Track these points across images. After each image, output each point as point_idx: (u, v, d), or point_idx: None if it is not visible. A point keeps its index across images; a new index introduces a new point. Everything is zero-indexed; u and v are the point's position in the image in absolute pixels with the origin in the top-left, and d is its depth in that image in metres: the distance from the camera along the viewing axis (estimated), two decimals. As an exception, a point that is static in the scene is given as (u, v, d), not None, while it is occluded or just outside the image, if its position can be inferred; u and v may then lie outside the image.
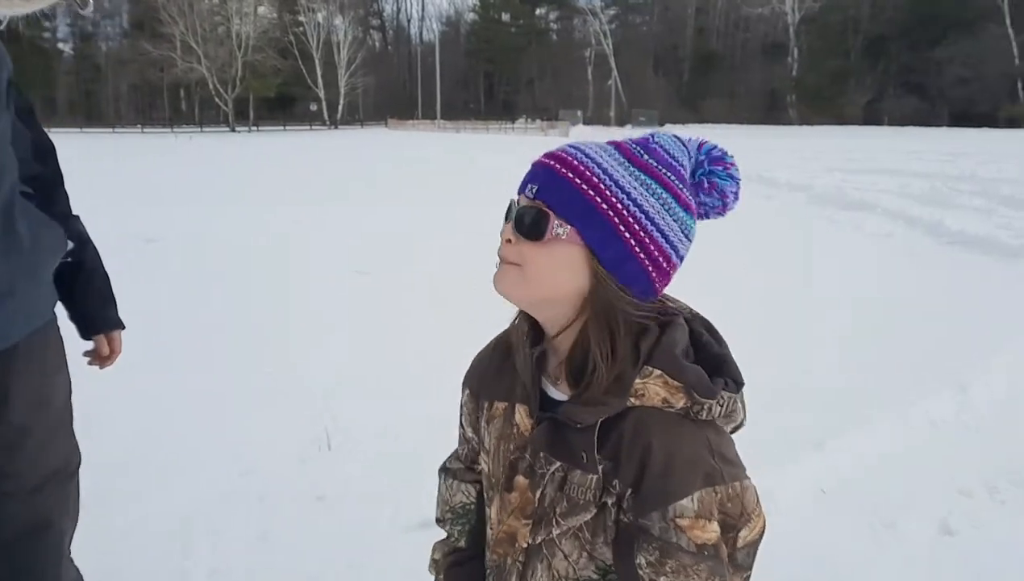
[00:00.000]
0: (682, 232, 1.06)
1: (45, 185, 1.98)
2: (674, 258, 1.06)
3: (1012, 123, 53.80)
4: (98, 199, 6.31)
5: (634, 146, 1.08)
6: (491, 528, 1.22)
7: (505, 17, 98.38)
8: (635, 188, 1.03)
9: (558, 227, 1.03)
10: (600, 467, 1.05)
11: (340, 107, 79.15)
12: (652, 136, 1.11)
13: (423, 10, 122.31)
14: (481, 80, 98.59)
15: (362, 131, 66.09)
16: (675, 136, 1.12)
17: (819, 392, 4.58)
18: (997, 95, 57.32)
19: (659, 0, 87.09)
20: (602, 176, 1.03)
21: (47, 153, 2.02)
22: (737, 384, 1.07)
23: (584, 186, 1.03)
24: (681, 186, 1.06)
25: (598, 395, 1.04)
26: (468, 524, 1.38)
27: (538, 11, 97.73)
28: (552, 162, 1.07)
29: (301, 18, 77.28)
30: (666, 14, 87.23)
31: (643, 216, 1.03)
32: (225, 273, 7.76)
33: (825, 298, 6.83)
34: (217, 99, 71.33)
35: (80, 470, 2.05)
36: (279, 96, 77.59)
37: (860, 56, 70.31)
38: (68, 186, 2.08)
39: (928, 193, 13.70)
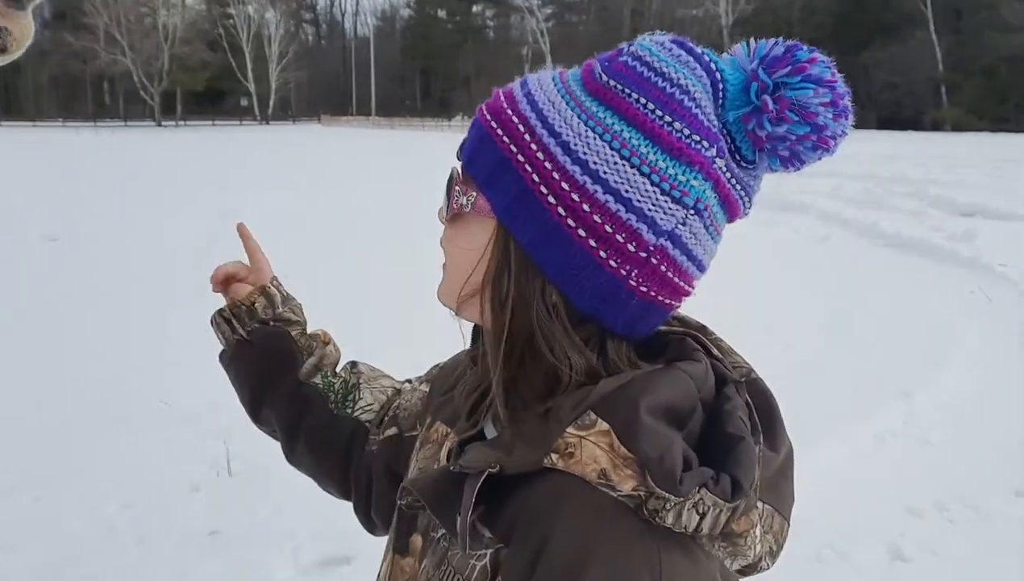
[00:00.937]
0: (660, 190, 0.66)
1: None
2: (646, 233, 0.66)
3: (936, 126, 55.65)
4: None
5: (597, 64, 0.70)
6: None
7: (441, 14, 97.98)
8: (568, 123, 0.67)
9: (461, 196, 0.72)
10: (489, 551, 0.68)
11: (271, 102, 77.81)
12: (629, 44, 0.70)
13: (357, 4, 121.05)
14: (417, 77, 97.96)
15: (293, 127, 64.91)
16: (677, 40, 0.71)
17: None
18: (922, 99, 59.18)
19: (595, 0, 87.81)
20: (527, 112, 0.69)
21: None
22: (736, 486, 0.64)
23: (499, 131, 0.69)
24: (665, 116, 0.66)
25: (507, 438, 0.70)
26: (339, 386, 1.10)
27: (475, 8, 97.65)
28: (484, 105, 0.74)
29: (231, 10, 75.73)
30: (603, 14, 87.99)
31: (577, 166, 0.66)
32: (127, 276, 7.45)
33: (765, 308, 6.71)
34: (143, 92, 69.31)
35: None
36: (208, 90, 75.79)
37: (791, 59, 72.08)
38: None
39: (862, 195, 13.97)
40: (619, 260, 0.67)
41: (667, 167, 0.66)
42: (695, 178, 0.67)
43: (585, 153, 0.66)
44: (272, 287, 1.12)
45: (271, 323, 1.10)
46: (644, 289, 0.68)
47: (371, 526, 1.06)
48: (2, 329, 5.43)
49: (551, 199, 0.66)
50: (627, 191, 0.65)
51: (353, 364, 1.15)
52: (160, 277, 7.31)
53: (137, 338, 5.44)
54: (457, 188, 0.73)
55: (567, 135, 0.66)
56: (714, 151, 0.67)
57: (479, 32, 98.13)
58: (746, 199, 0.72)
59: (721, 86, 0.69)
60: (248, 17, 74.91)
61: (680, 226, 0.68)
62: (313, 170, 20.67)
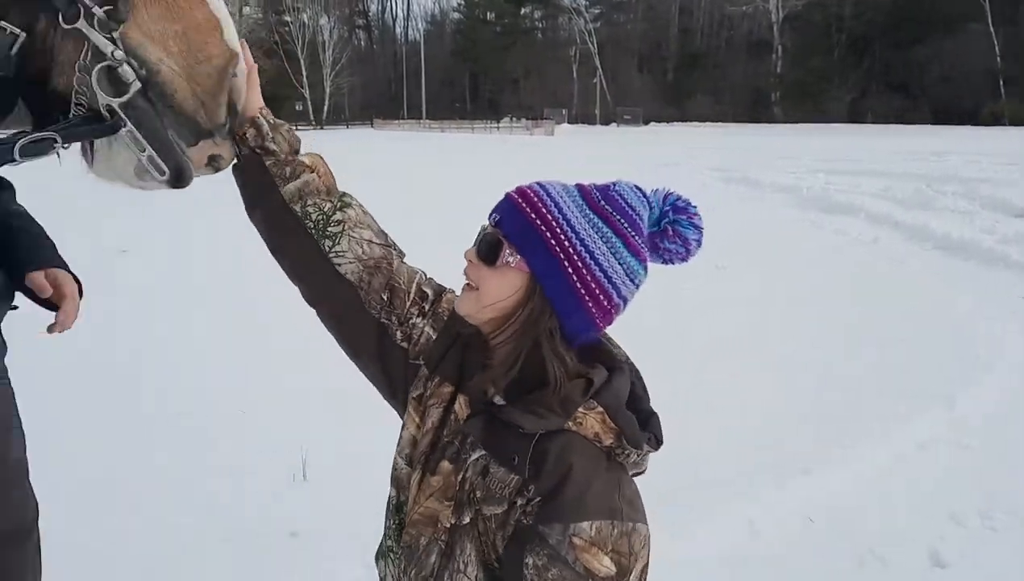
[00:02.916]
0: (627, 275, 1.17)
1: None
2: (615, 297, 1.16)
3: (995, 120, 54.05)
4: (71, 208, 6.09)
5: (595, 191, 1.20)
6: (408, 507, 1.29)
7: (490, 16, 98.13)
8: (585, 229, 1.15)
9: (509, 255, 1.17)
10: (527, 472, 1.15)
11: (326, 107, 78.70)
12: (614, 184, 1.22)
13: (408, 9, 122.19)
14: (466, 79, 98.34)
15: (347, 132, 65.68)
16: (636, 186, 1.24)
17: (804, 414, 4.53)
18: (979, 92, 57.53)
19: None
20: (556, 214, 1.16)
21: None
22: (658, 442, 1.20)
23: (537, 221, 1.16)
24: (632, 233, 1.18)
25: (540, 409, 1.15)
26: (316, 217, 1.37)
27: (523, 10, 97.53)
28: (516, 196, 1.20)
29: (287, 18, 76.69)
30: (650, 12, 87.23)
31: (587, 255, 1.14)
32: (202, 286, 7.46)
33: (810, 312, 6.75)
34: (201, 100, 70.62)
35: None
36: (264, 96, 76.77)
37: (843, 54, 70.51)
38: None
39: (912, 195, 13.64)
40: (596, 308, 1.16)
41: (630, 260, 1.17)
42: (641, 267, 1.19)
43: (593, 248, 1.15)
44: (260, 117, 1.37)
45: (255, 150, 1.35)
46: (603, 323, 1.19)
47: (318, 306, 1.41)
48: (88, 342, 5.67)
49: (570, 271, 1.15)
50: (609, 270, 1.15)
51: (344, 202, 1.40)
52: (233, 288, 7.35)
53: (212, 348, 5.61)
54: (507, 249, 1.17)
55: (583, 233, 1.15)
56: (647, 251, 1.21)
57: (528, 34, 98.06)
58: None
59: (650, 213, 1.23)
60: (303, 24, 75.93)
61: (628, 294, 1.19)
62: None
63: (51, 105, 1.09)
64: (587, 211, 1.17)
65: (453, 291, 1.37)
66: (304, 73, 75.74)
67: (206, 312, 6.61)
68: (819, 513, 3.50)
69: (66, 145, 1.11)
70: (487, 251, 1.19)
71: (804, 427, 4.32)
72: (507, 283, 1.18)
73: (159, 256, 8.93)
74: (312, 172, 1.39)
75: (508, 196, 1.21)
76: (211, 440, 4.12)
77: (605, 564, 1.09)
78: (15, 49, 1.02)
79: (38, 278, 1.72)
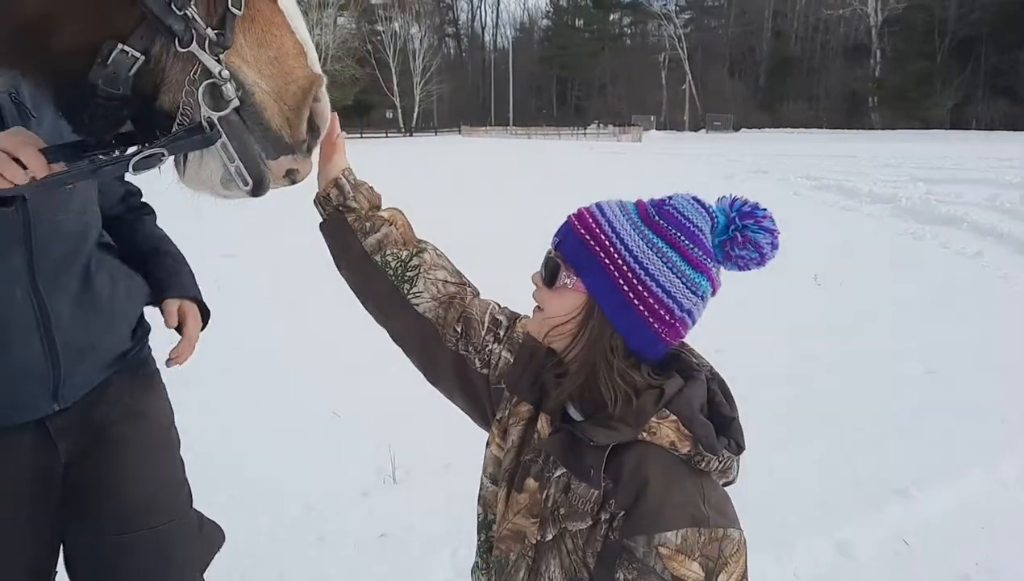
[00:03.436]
0: (687, 287, 1.16)
1: (126, 222, 2.00)
2: (677, 311, 1.16)
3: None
4: (177, 211, 6.26)
5: (650, 207, 1.22)
6: (496, 524, 1.33)
7: (579, 23, 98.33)
8: (638, 246, 1.17)
9: (566, 277, 1.22)
10: (603, 485, 1.17)
11: (415, 114, 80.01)
12: (670, 198, 1.23)
13: (497, 17, 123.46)
14: (554, 86, 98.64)
15: (435, 139, 66.62)
16: (695, 198, 1.23)
17: (902, 435, 4.40)
18: (1095, 97, 54.57)
19: (735, 3, 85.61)
20: (609, 233, 1.18)
21: (132, 193, 2.06)
22: (739, 447, 1.20)
23: (591, 242, 1.19)
24: (691, 245, 1.17)
25: (611, 421, 1.17)
26: (395, 265, 1.45)
27: (612, 16, 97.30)
28: (573, 218, 1.24)
29: (379, 27, 78.35)
30: (742, 17, 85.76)
31: (642, 271, 1.15)
32: (298, 291, 7.57)
33: (910, 329, 6.53)
34: (296, 108, 72.63)
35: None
36: (356, 104, 78.73)
37: (947, 57, 67.87)
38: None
39: (1019, 205, 12.98)
40: (659, 323, 1.17)
41: (689, 273, 1.17)
42: (703, 279, 1.18)
43: (647, 263, 1.16)
44: (343, 178, 1.46)
45: (339, 209, 1.46)
46: (666, 338, 1.19)
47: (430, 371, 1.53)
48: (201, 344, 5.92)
49: (626, 288, 1.16)
50: (668, 286, 1.16)
51: (420, 249, 1.49)
52: (328, 292, 7.48)
53: (305, 351, 5.75)
54: (565, 272, 1.22)
55: (636, 250, 1.17)
56: (711, 262, 1.19)
57: (616, 40, 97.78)
58: (719, 281, 1.23)
59: (713, 223, 1.20)
60: (394, 33, 77.35)
61: (693, 306, 1.18)
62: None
63: (154, 121, 1.18)
64: (641, 228, 1.18)
65: (527, 316, 1.41)
66: (395, 81, 77.18)
67: (301, 316, 6.77)
68: (915, 537, 3.40)
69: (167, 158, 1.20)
70: (547, 274, 1.25)
71: (901, 448, 4.19)
72: (567, 304, 1.22)
73: (260, 261, 9.15)
74: (391, 225, 1.48)
75: (568, 219, 1.25)
76: (303, 441, 4.24)
77: (694, 569, 1.10)
78: (133, 71, 1.10)
79: (171, 307, 1.91)
